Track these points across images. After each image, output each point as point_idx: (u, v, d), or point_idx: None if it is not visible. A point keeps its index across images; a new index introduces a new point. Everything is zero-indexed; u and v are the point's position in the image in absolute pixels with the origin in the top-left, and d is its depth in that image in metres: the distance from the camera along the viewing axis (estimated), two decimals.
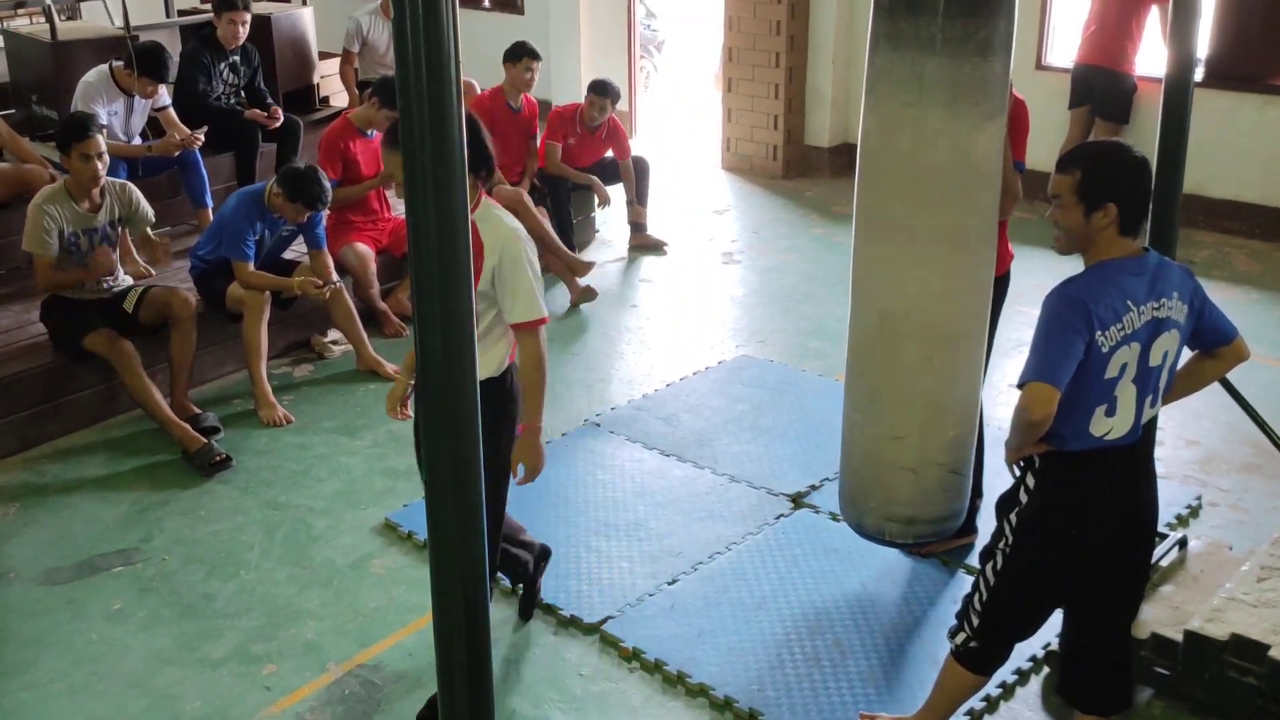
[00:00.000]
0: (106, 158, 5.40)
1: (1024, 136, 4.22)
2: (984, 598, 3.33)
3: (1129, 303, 3.03)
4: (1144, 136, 7.79)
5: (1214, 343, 3.25)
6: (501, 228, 3.47)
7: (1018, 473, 3.28)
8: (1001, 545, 3.28)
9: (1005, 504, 3.31)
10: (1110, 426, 3.10)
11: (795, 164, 9.60)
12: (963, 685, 3.45)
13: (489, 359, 3.52)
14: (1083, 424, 3.09)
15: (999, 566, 3.29)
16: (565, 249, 7.22)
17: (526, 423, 3.62)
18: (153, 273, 6.21)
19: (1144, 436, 3.24)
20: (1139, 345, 3.06)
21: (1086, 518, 3.18)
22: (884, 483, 4.05)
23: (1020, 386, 3.05)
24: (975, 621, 3.36)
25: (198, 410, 5.60)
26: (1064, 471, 3.16)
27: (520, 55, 7.27)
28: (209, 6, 8.51)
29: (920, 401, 3.89)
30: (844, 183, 8.86)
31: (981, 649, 3.38)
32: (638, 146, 10.17)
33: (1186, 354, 3.28)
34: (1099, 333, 3.00)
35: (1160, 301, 3.08)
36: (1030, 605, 3.35)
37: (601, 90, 7.61)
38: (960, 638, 3.40)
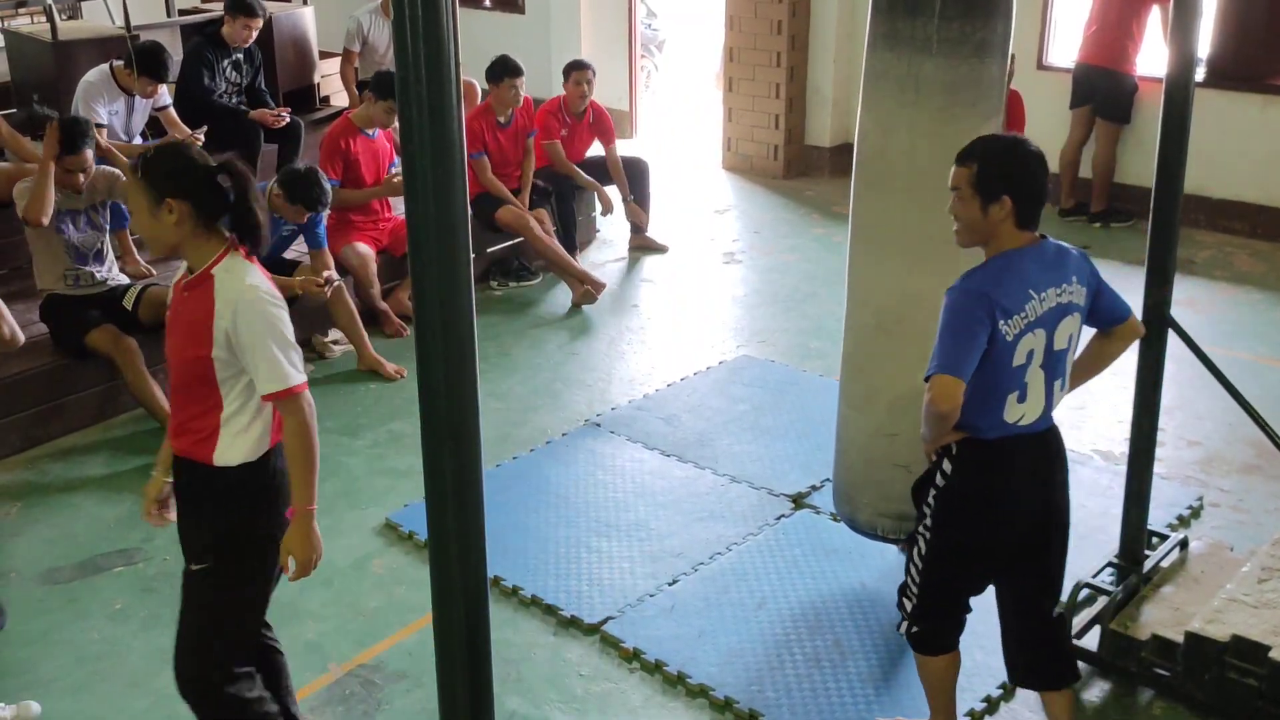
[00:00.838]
0: (93, 169, 5.47)
1: (1020, 129, 4.22)
2: (915, 581, 3.40)
3: (1030, 291, 3.10)
4: (1145, 136, 7.80)
5: (1110, 321, 3.33)
6: (237, 284, 3.00)
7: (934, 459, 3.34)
8: (921, 529, 3.34)
9: (921, 487, 3.37)
10: (1023, 413, 3.17)
11: (796, 164, 9.60)
12: (935, 670, 3.47)
13: (241, 441, 3.07)
14: (997, 413, 3.15)
15: (923, 551, 3.35)
16: (579, 267, 7.19)
17: (296, 506, 3.07)
18: (153, 272, 6.21)
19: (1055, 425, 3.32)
20: (1044, 331, 3.12)
21: (1003, 503, 3.24)
22: (877, 479, 4.06)
23: (926, 379, 3.10)
24: (909, 606, 3.42)
25: None
26: (981, 457, 3.21)
27: (501, 76, 7.16)
28: (210, 6, 8.52)
29: (914, 400, 3.88)
30: (845, 182, 8.80)
31: (924, 631, 3.42)
32: (639, 146, 10.16)
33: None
34: (1002, 322, 3.06)
35: (1062, 287, 3.15)
36: (956, 582, 3.39)
37: (580, 65, 7.64)
38: (904, 627, 3.46)
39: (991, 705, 3.79)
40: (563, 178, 7.60)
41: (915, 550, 3.39)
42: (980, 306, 3.05)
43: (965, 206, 3.15)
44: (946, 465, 3.26)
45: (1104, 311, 3.29)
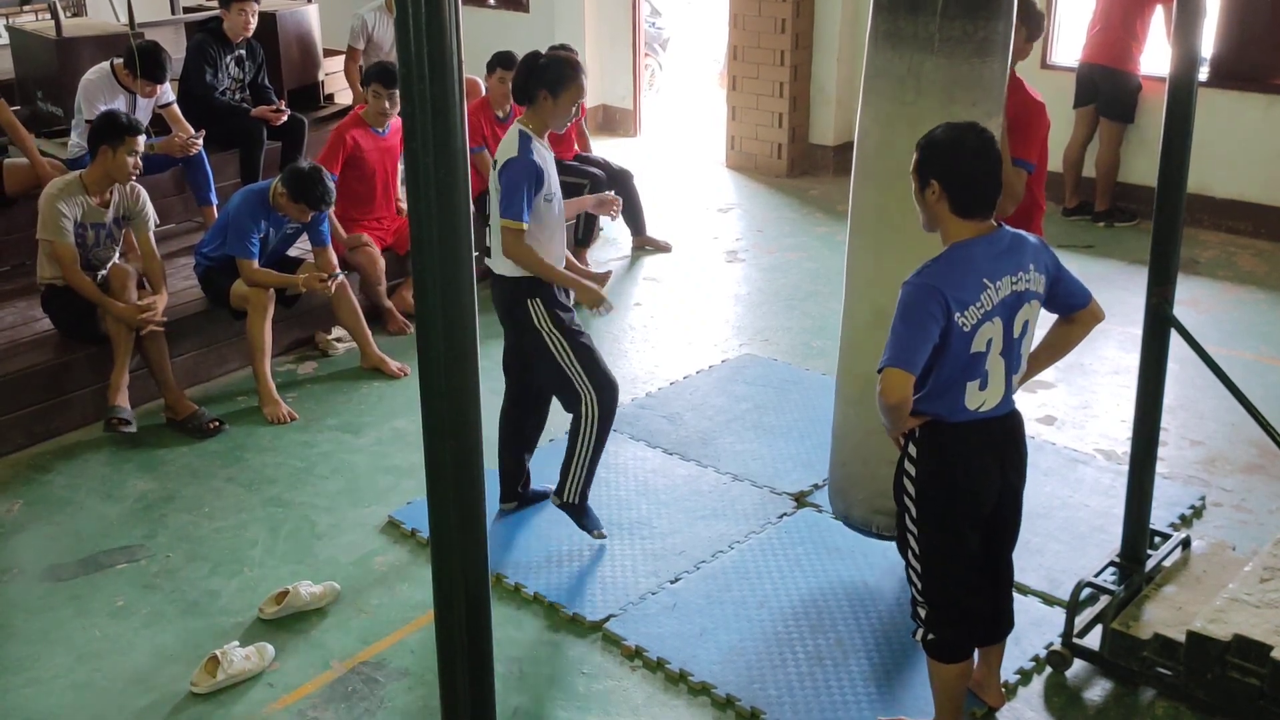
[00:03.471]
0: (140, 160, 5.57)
1: (1035, 135, 4.20)
2: (921, 584, 3.41)
3: (985, 280, 3.13)
4: (1148, 136, 7.79)
5: (1070, 307, 3.37)
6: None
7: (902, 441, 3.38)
8: (908, 527, 3.37)
9: (897, 481, 3.40)
10: (984, 399, 3.22)
11: (800, 162, 9.60)
12: (948, 678, 3.47)
13: None
14: (958, 400, 3.19)
15: (918, 552, 3.37)
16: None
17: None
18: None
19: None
20: (1001, 320, 3.16)
21: (971, 485, 3.28)
22: (872, 475, 4.05)
23: (879, 372, 3.13)
24: (923, 613, 3.43)
25: (196, 407, 5.61)
26: (943, 440, 3.25)
27: (494, 67, 7.18)
28: (214, 4, 8.52)
29: None
30: (848, 181, 8.79)
31: (940, 637, 3.42)
32: (642, 144, 10.16)
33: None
34: (957, 315, 3.09)
35: (1018, 275, 3.18)
36: (960, 575, 3.39)
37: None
38: (920, 634, 3.46)
39: (989, 709, 3.79)
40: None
41: (910, 554, 3.40)
42: (933, 300, 3.08)
43: (914, 193, 3.24)
44: (912, 450, 3.30)
45: (1063, 297, 3.34)
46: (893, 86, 3.75)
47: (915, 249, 3.76)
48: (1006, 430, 3.32)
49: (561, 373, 4.41)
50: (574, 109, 4.39)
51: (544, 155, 4.34)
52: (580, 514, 4.57)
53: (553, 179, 4.42)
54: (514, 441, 4.78)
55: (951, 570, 3.37)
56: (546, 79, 4.29)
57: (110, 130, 5.44)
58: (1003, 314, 3.16)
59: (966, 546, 3.35)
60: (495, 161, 4.35)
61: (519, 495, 4.84)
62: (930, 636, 3.42)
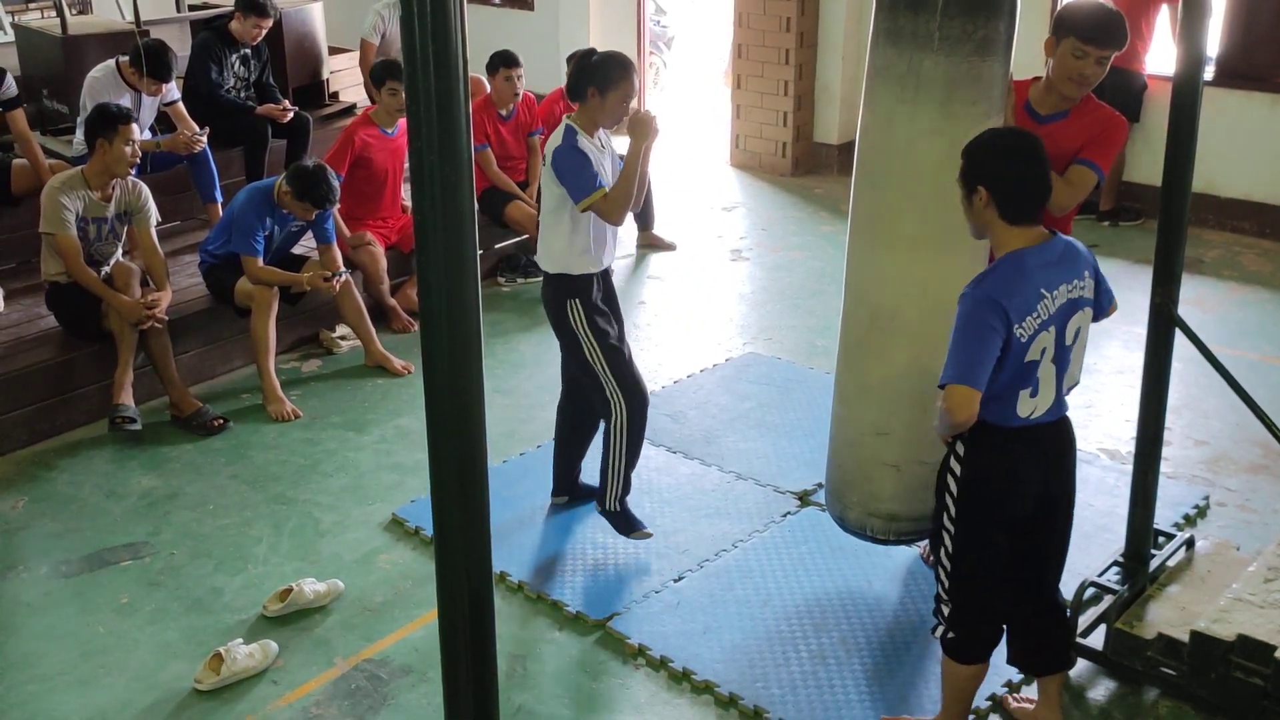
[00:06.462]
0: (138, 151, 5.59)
1: (1117, 148, 4.10)
2: (947, 581, 3.40)
3: (1042, 291, 3.12)
4: (1154, 135, 7.78)
5: (1101, 308, 3.38)
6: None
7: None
8: (945, 525, 3.35)
9: (941, 478, 3.38)
10: (1035, 406, 3.20)
11: (804, 161, 9.59)
12: (961, 679, 3.46)
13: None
14: (1010, 408, 3.18)
15: (950, 549, 3.36)
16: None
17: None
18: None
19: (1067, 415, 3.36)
20: (1055, 328, 3.15)
21: (1017, 488, 3.26)
22: (868, 478, 4.04)
23: (941, 386, 3.12)
24: (946, 611, 3.42)
25: (200, 404, 5.62)
26: (994, 445, 3.24)
27: (496, 66, 7.21)
28: (220, 1, 8.52)
29: (907, 398, 3.88)
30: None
31: (960, 637, 3.41)
32: None
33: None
34: (1016, 326, 3.08)
35: (1074, 283, 3.19)
36: (988, 578, 3.38)
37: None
38: (939, 631, 3.46)
39: (996, 704, 3.79)
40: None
41: (942, 551, 3.38)
42: (993, 313, 3.06)
43: (961, 200, 3.22)
44: (960, 449, 3.28)
45: (1102, 300, 3.36)
46: (893, 85, 3.74)
47: (913, 249, 3.77)
48: (1055, 437, 3.30)
49: (594, 375, 4.43)
50: (624, 107, 4.34)
51: (590, 146, 4.31)
52: (622, 520, 4.54)
53: (603, 170, 4.36)
54: (569, 435, 4.80)
55: (979, 571, 3.35)
56: (595, 77, 4.29)
57: (104, 122, 5.46)
58: (1057, 323, 3.15)
59: (997, 548, 3.33)
60: (545, 158, 4.34)
61: (571, 489, 4.86)
62: (950, 635, 3.41)
